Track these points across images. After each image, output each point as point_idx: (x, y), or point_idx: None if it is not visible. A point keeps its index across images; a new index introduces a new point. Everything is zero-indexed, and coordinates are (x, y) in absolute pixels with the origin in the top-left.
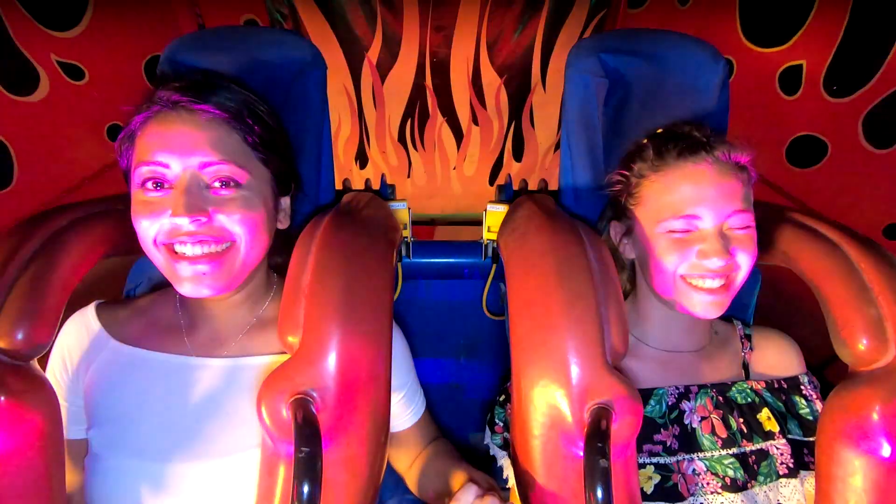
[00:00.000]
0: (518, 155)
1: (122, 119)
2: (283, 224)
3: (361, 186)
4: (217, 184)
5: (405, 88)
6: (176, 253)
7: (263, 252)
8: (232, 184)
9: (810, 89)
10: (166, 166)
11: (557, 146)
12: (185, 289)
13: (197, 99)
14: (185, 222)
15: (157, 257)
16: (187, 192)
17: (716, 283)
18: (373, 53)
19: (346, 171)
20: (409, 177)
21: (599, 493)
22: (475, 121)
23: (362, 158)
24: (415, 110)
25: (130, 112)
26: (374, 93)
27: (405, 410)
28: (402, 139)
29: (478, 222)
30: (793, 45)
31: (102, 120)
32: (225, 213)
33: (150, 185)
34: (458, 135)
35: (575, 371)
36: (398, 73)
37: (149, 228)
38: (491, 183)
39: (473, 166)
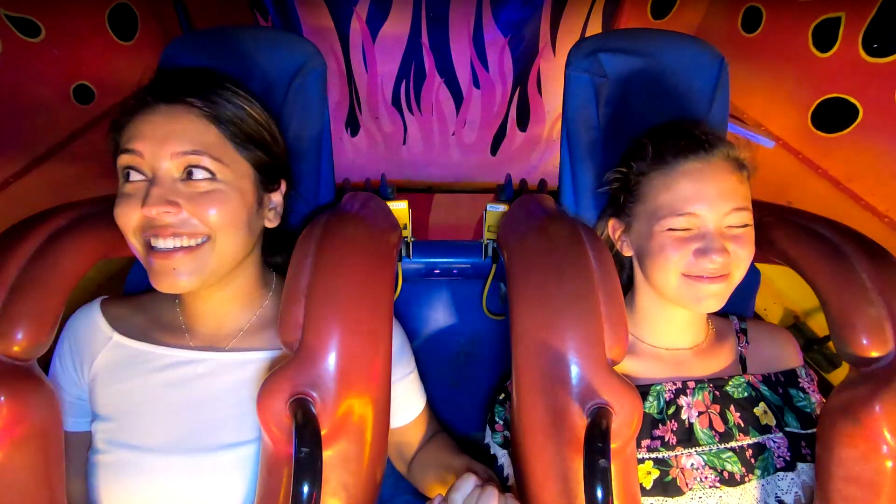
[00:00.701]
0: (523, 124)
1: (90, 79)
2: (272, 222)
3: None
4: (190, 175)
5: (399, 47)
6: (152, 248)
7: (243, 249)
8: (206, 176)
9: (847, 46)
10: (140, 154)
11: None
12: (160, 283)
13: (177, 91)
14: (153, 213)
15: (137, 250)
16: (157, 184)
17: (714, 279)
18: (362, 8)
19: (336, 139)
20: (404, 143)
21: (599, 493)
22: (476, 83)
23: (353, 125)
24: (410, 70)
25: (96, 68)
26: (364, 52)
27: (406, 405)
28: (396, 102)
29: (478, 191)
30: None
31: (67, 81)
32: (198, 205)
33: (127, 174)
34: (458, 98)
35: (575, 371)
36: (391, 29)
37: (125, 221)
38: (493, 153)
39: (474, 134)
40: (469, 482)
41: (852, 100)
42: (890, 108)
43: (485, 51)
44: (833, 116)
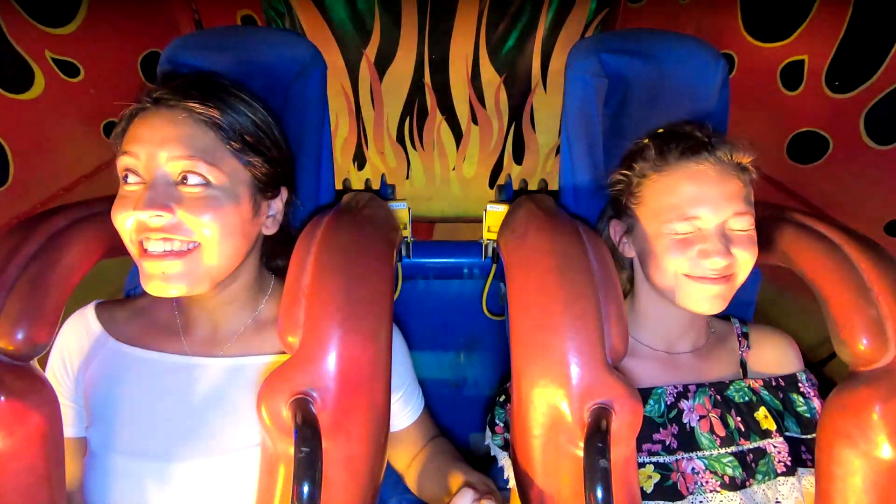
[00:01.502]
0: (518, 158)
1: (119, 117)
2: (269, 230)
3: (361, 187)
4: (185, 180)
5: (404, 86)
6: (145, 250)
7: (236, 256)
8: (201, 181)
9: (812, 85)
10: (136, 157)
11: (558, 150)
12: (150, 286)
13: (176, 96)
14: (146, 216)
15: (132, 252)
16: (151, 187)
17: (717, 280)
18: (370, 51)
19: (343, 173)
20: (407, 178)
21: (599, 493)
22: (474, 120)
23: (360, 159)
24: (413, 109)
25: (124, 109)
26: (371, 91)
27: (404, 409)
28: (400, 139)
29: (477, 220)
30: (795, 39)
31: (98, 117)
32: (191, 211)
33: (125, 178)
34: (458, 134)
35: (575, 371)
36: (396, 70)
37: (120, 222)
38: (491, 186)
39: (473, 168)
40: (467, 497)
41: (822, 133)
42: (855, 137)
43: (482, 89)
44: (806, 148)
